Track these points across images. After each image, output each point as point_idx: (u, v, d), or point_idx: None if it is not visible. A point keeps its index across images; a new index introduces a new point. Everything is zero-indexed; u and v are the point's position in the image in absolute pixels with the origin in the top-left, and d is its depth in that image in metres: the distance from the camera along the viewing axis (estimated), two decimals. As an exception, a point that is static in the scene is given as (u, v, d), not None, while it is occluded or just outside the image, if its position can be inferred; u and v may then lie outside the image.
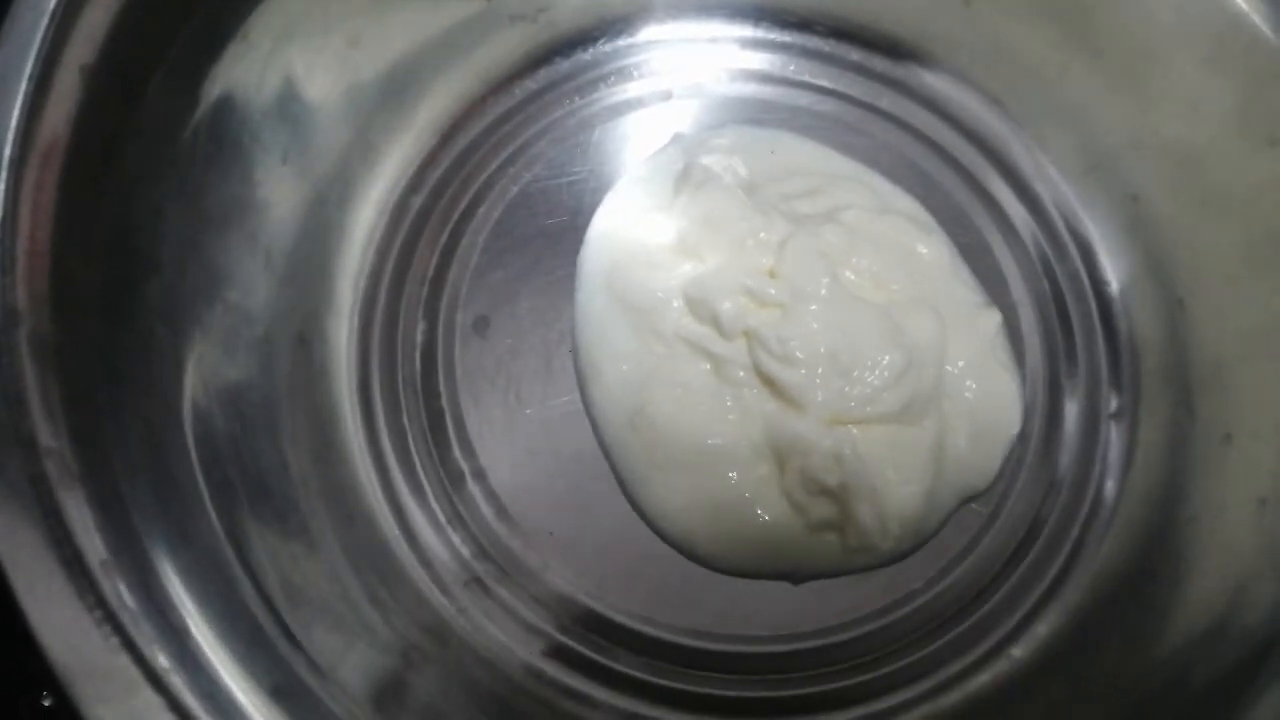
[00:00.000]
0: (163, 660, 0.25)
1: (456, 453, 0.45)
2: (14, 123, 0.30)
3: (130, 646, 0.25)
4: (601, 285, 0.47)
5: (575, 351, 0.47)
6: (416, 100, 0.49)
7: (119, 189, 0.34)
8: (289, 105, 0.42)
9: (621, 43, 0.53)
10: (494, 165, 0.50)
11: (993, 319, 0.47)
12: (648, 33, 0.53)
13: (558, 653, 0.43)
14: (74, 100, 0.32)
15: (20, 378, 0.28)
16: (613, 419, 0.45)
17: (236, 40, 0.38)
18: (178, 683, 0.25)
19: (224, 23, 0.38)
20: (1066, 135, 0.49)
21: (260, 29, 0.39)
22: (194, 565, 0.30)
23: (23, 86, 0.31)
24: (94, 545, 0.26)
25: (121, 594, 0.26)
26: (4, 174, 0.29)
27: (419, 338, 0.47)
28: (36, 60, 0.31)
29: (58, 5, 0.32)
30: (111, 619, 0.25)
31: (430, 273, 0.48)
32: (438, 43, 0.48)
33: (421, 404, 0.46)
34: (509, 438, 0.46)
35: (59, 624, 0.25)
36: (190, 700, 0.25)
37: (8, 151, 0.30)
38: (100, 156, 0.33)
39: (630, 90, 0.52)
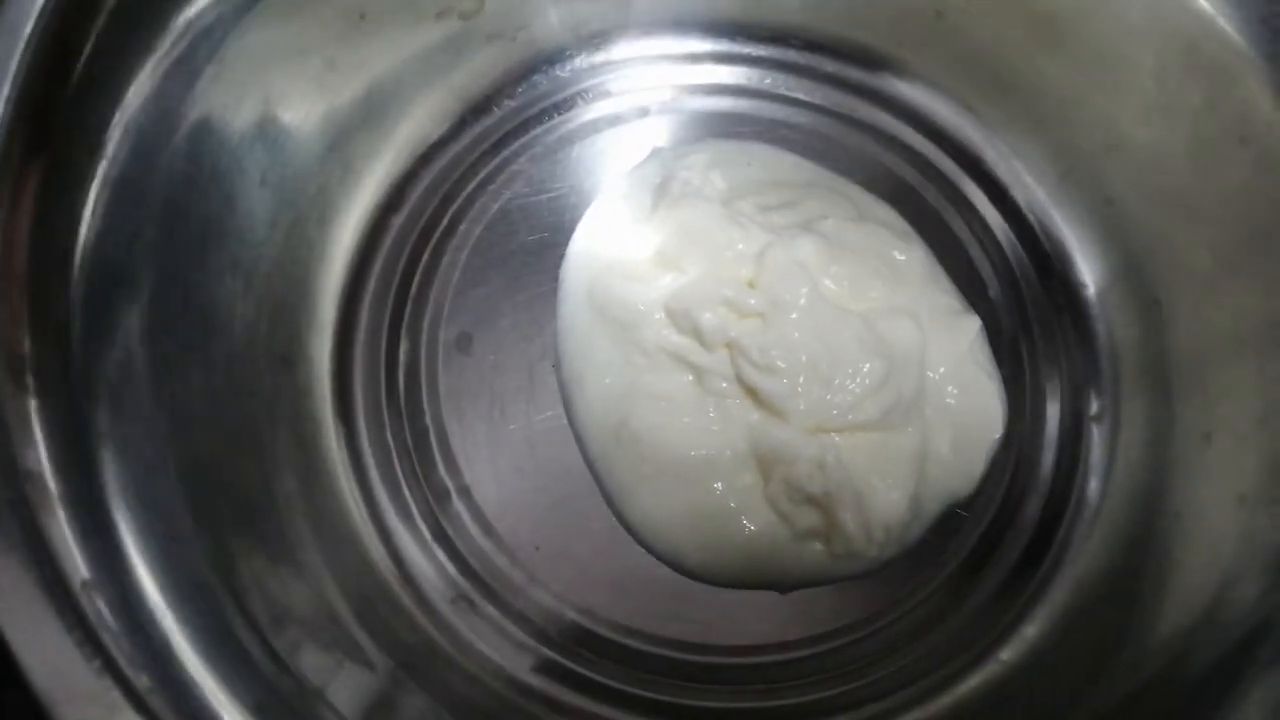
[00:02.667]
0: (145, 681, 0.25)
1: (441, 470, 0.45)
2: (-10, 145, 0.30)
3: (112, 667, 0.25)
4: (583, 300, 0.47)
5: (558, 366, 0.47)
6: (395, 120, 0.49)
7: (97, 211, 0.34)
8: (267, 127, 0.42)
9: (598, 59, 0.53)
10: (473, 183, 0.51)
11: (972, 324, 0.47)
12: (624, 49, 0.54)
13: (547, 668, 0.43)
14: (50, 124, 0.32)
15: (1, 402, 0.27)
16: (597, 432, 0.45)
17: (214, 63, 0.38)
18: (160, 703, 0.25)
19: (200, 47, 0.38)
20: (1040, 141, 0.50)
21: (236, 53, 0.40)
22: (177, 587, 0.30)
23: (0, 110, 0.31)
24: (75, 566, 0.26)
25: (103, 615, 0.26)
26: (-20, 198, 0.29)
27: (401, 356, 0.47)
28: (13, 84, 0.31)
29: (34, 29, 0.32)
30: (93, 640, 0.25)
31: (412, 291, 0.48)
32: (415, 63, 0.48)
33: (405, 422, 0.46)
34: (493, 454, 0.46)
35: (41, 647, 0.25)
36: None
37: (-15, 176, 0.30)
38: (78, 179, 0.33)
39: (608, 106, 0.53)
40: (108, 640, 0.25)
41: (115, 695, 0.24)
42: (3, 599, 0.25)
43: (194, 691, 0.26)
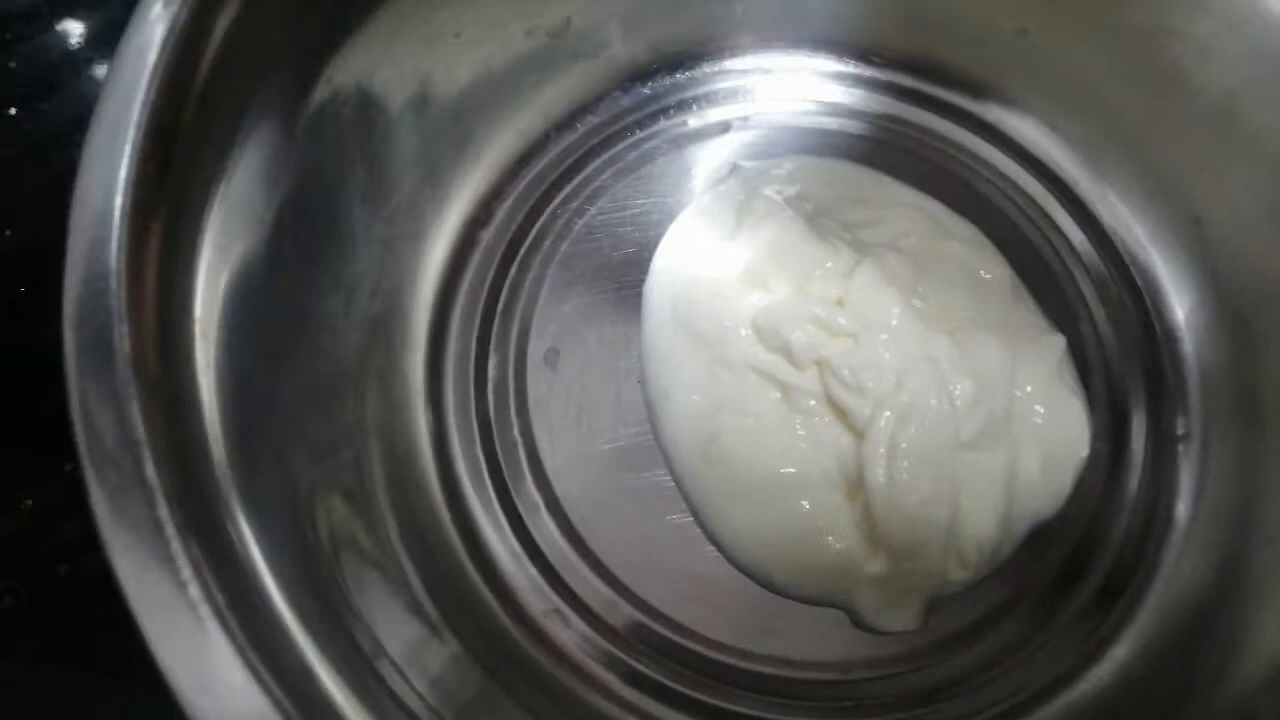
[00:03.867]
0: (288, 701, 0.26)
1: (530, 484, 0.46)
2: (123, 173, 0.31)
3: (263, 686, 0.25)
4: (668, 316, 0.47)
5: (644, 382, 0.47)
6: (483, 137, 0.49)
7: (214, 234, 0.35)
8: (366, 144, 0.43)
9: (680, 77, 0.54)
10: (558, 199, 0.51)
11: (1058, 343, 0.47)
12: (705, 67, 0.54)
13: (636, 680, 0.43)
14: (178, 153, 0.33)
15: (141, 424, 0.28)
16: (685, 449, 0.45)
17: (321, 84, 0.39)
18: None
19: (310, 67, 0.39)
20: (1126, 159, 0.50)
21: (340, 72, 0.40)
22: (302, 601, 0.31)
23: (130, 137, 0.32)
24: (217, 587, 0.27)
25: (247, 635, 0.26)
26: (118, 225, 0.30)
27: (490, 371, 0.48)
28: (141, 114, 0.32)
29: (159, 57, 0.33)
30: (243, 658, 0.26)
31: (499, 306, 0.49)
32: (504, 80, 0.49)
33: (495, 436, 0.47)
34: (582, 469, 0.46)
35: (192, 668, 0.25)
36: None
37: (119, 203, 0.31)
38: (201, 204, 0.34)
39: (690, 123, 0.53)
40: (255, 661, 0.26)
41: (271, 713, 0.25)
42: (155, 621, 0.26)
43: (334, 709, 0.27)
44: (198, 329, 0.34)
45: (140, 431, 0.28)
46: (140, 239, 0.31)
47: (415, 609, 0.40)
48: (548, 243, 0.50)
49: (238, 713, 0.25)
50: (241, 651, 0.26)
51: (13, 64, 0.55)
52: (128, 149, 0.31)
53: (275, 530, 0.33)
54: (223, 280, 0.35)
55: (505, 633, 0.43)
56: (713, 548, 0.45)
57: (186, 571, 0.27)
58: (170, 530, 0.27)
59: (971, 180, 0.52)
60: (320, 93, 0.39)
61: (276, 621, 0.28)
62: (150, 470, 0.28)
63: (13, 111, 0.54)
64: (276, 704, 0.25)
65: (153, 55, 0.33)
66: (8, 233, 0.51)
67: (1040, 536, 0.45)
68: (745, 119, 0.53)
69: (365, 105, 0.42)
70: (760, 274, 0.46)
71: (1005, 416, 0.44)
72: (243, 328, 0.36)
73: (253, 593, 0.29)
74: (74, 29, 0.56)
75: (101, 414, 0.28)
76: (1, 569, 0.44)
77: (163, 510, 0.27)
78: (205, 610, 0.26)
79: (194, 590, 0.26)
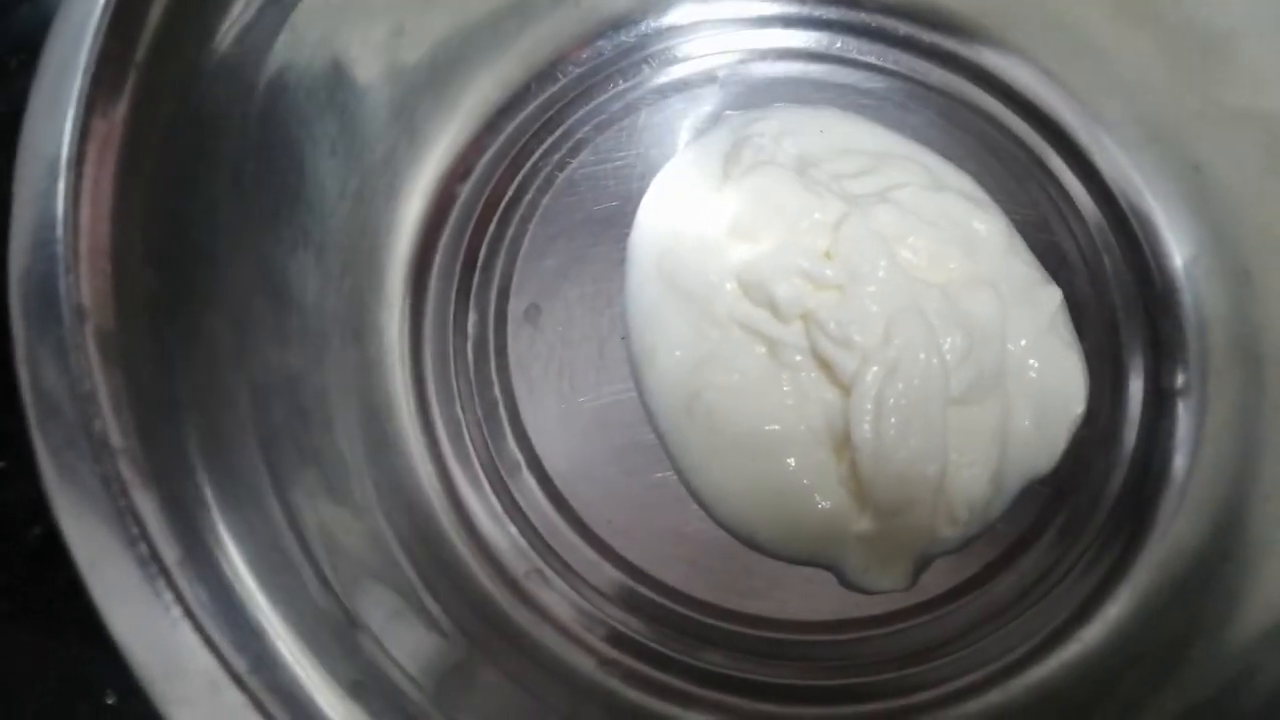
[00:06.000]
0: (242, 662, 0.25)
1: (511, 443, 0.45)
2: (69, 122, 0.30)
3: (211, 646, 0.25)
4: (652, 271, 0.46)
5: (627, 338, 0.46)
6: (461, 87, 0.48)
7: (173, 184, 0.34)
8: (336, 94, 0.42)
9: (664, 24, 0.52)
10: (539, 151, 0.50)
11: (1054, 296, 0.46)
12: (690, 13, 0.52)
13: (619, 641, 0.42)
14: (127, 97, 0.32)
15: (90, 376, 0.27)
16: (668, 406, 0.44)
17: (285, 30, 0.38)
18: (258, 684, 0.25)
19: (270, 14, 0.37)
20: (1125, 107, 0.48)
21: (307, 19, 0.39)
22: (262, 559, 0.30)
23: (76, 85, 0.30)
24: (169, 545, 0.26)
25: (199, 594, 0.26)
26: (64, 173, 0.29)
27: (470, 328, 0.47)
28: (89, 58, 0.31)
29: (107, 1, 0.32)
30: (191, 618, 0.25)
31: (479, 262, 0.48)
32: (481, 29, 0.47)
33: (475, 394, 0.46)
34: (564, 427, 0.45)
35: (139, 627, 0.25)
36: (270, 700, 0.25)
37: (65, 151, 0.29)
38: (154, 152, 0.33)
39: (674, 72, 0.52)
40: (205, 620, 0.25)
41: (218, 674, 0.24)
42: (102, 579, 0.25)
43: (290, 673, 0.26)
44: (155, 282, 0.32)
45: (87, 385, 0.27)
46: (89, 187, 0.30)
47: (393, 572, 0.39)
48: (528, 197, 0.49)
49: (187, 672, 0.24)
50: (190, 611, 0.25)
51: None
52: (75, 94, 0.30)
53: (239, 491, 0.32)
54: (184, 232, 0.34)
55: (486, 595, 0.42)
56: (697, 506, 0.44)
57: (135, 529, 0.26)
58: (117, 487, 0.26)
59: (966, 129, 0.51)
60: (284, 40, 0.38)
61: (230, 582, 0.27)
62: (97, 425, 0.27)
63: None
64: (225, 665, 0.24)
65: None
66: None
67: (1033, 493, 0.44)
68: (731, 68, 0.52)
69: (333, 55, 0.41)
70: (747, 227, 0.45)
71: (997, 371, 0.43)
72: (208, 284, 0.35)
73: (207, 553, 0.28)
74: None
75: (47, 367, 0.27)
76: (-27, 532, 0.43)
77: (109, 465, 0.26)
78: (153, 569, 0.25)
79: (142, 548, 0.26)
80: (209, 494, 0.30)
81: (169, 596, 0.25)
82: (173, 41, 0.33)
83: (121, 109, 0.31)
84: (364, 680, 0.29)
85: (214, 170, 0.35)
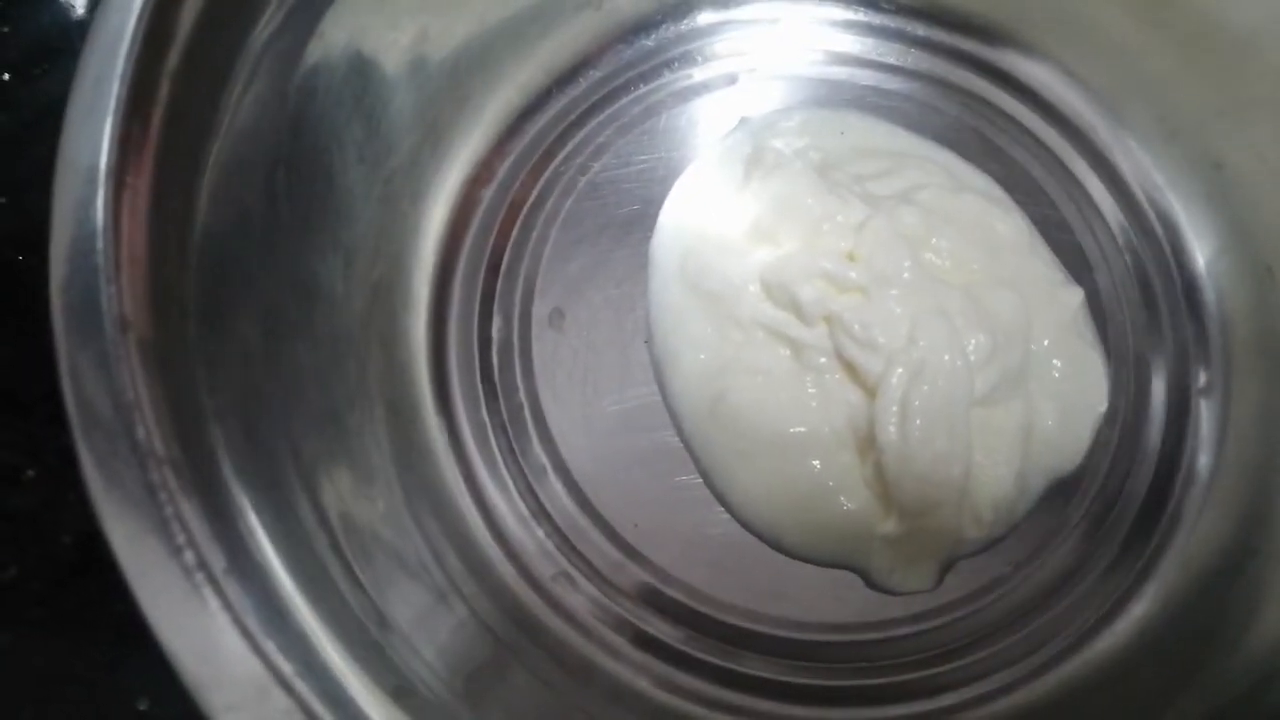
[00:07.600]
0: (288, 666, 0.25)
1: (537, 447, 0.45)
2: (108, 131, 0.30)
3: (258, 651, 0.25)
4: (675, 274, 0.46)
5: (651, 341, 0.46)
6: (484, 93, 0.48)
7: (208, 193, 0.34)
8: (363, 101, 0.42)
9: (684, 28, 0.52)
10: (561, 155, 0.50)
11: (1075, 296, 0.46)
12: (709, 16, 0.53)
13: (646, 643, 0.43)
14: (162, 106, 0.32)
15: (133, 385, 0.27)
16: (693, 409, 0.44)
17: (314, 38, 0.38)
18: (305, 688, 0.25)
19: (300, 22, 0.38)
20: (1145, 106, 0.48)
21: (334, 27, 0.39)
22: (299, 564, 0.30)
23: (114, 93, 0.31)
24: (214, 552, 0.26)
25: (244, 600, 0.26)
26: (103, 183, 0.29)
27: (495, 333, 0.47)
28: (126, 67, 0.31)
29: (143, 9, 0.32)
30: (238, 624, 0.25)
31: (503, 266, 0.48)
32: (504, 34, 0.47)
33: (500, 399, 0.46)
34: (589, 431, 0.45)
35: (187, 634, 0.25)
36: (317, 705, 0.25)
37: (104, 161, 0.30)
38: (189, 160, 0.33)
39: (694, 75, 0.52)
40: (251, 626, 0.25)
41: (266, 679, 0.25)
42: (149, 586, 0.25)
43: (335, 677, 0.26)
44: (191, 290, 0.33)
45: (130, 395, 0.27)
46: (128, 196, 0.30)
47: (422, 574, 0.40)
48: (551, 201, 0.49)
49: (235, 679, 0.25)
50: (238, 618, 0.25)
51: (6, 29, 0.54)
52: (112, 103, 0.30)
53: (275, 496, 0.32)
54: (219, 242, 0.35)
55: (514, 597, 0.43)
56: (722, 509, 0.44)
57: (181, 538, 0.26)
58: (163, 495, 0.26)
59: (986, 130, 0.51)
60: (313, 48, 0.38)
61: (275, 588, 0.27)
62: (141, 433, 0.27)
63: (6, 77, 0.53)
64: (273, 670, 0.25)
65: (137, 4, 0.32)
66: (3, 200, 0.50)
67: (1058, 493, 0.44)
68: (752, 70, 0.52)
69: (360, 61, 0.41)
70: (769, 228, 0.45)
71: (1021, 371, 0.43)
72: (241, 291, 0.36)
73: (250, 559, 0.28)
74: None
75: (90, 377, 0.27)
76: (5, 540, 0.44)
77: (155, 475, 0.26)
78: (200, 577, 0.26)
79: (189, 556, 0.26)
80: (246, 500, 0.30)
81: (216, 604, 0.25)
82: (204, 49, 0.34)
83: (157, 118, 0.32)
84: (402, 683, 0.29)
85: (248, 178, 0.36)
